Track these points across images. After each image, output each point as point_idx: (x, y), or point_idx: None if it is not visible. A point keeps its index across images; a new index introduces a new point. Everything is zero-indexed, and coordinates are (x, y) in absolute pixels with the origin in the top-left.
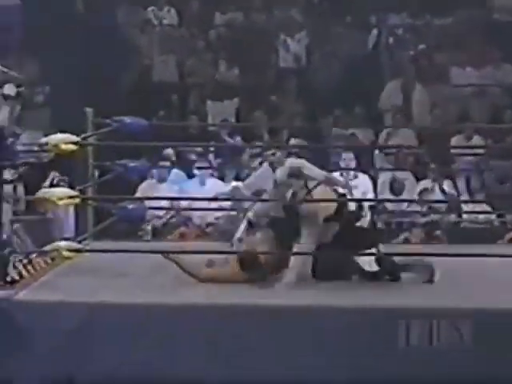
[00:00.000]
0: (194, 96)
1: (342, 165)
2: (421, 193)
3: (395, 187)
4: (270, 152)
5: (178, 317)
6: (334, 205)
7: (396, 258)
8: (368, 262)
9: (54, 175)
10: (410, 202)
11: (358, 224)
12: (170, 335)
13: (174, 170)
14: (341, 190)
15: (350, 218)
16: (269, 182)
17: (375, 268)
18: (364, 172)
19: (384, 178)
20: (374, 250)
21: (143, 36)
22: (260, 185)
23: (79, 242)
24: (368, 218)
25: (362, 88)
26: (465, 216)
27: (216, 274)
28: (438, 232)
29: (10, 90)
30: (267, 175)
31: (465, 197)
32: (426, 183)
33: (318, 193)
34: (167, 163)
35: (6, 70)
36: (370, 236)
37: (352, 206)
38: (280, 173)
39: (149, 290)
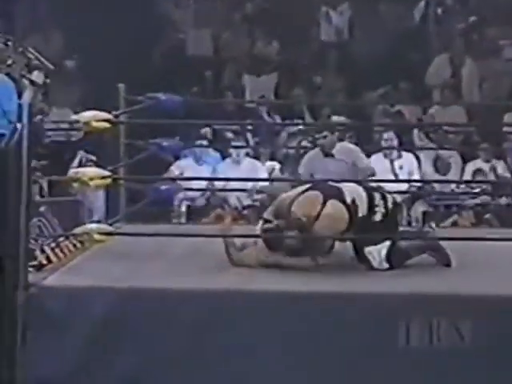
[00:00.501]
0: (230, 71)
1: (384, 144)
2: (474, 174)
3: (439, 166)
4: (320, 135)
5: (216, 303)
6: (346, 220)
7: (410, 244)
8: (378, 260)
9: (82, 155)
10: (455, 182)
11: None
12: (206, 322)
13: (208, 149)
14: (348, 200)
15: (362, 222)
16: (318, 167)
17: (384, 266)
18: (408, 151)
19: (426, 157)
20: (385, 244)
21: (178, 10)
22: (309, 169)
23: (110, 225)
24: (382, 210)
25: (408, 63)
26: None
27: (247, 257)
28: (487, 215)
29: (38, 77)
30: (318, 158)
31: None
32: (476, 163)
33: (328, 208)
34: (203, 142)
35: (38, 55)
36: (381, 230)
37: (363, 210)
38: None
39: (184, 274)
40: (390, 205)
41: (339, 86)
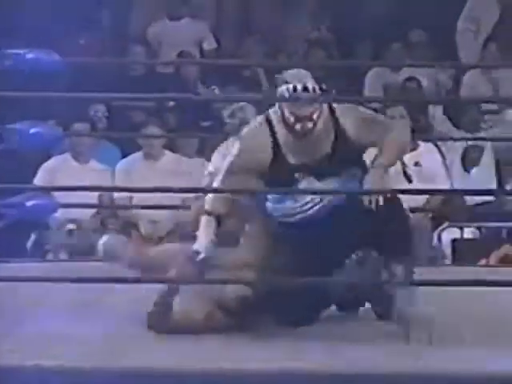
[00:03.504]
0: (140, 11)
1: None
2: None
3: (470, 159)
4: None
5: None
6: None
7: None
8: None
9: None
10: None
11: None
12: None
13: (102, 140)
14: None
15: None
16: None
17: None
18: (428, 140)
19: (451, 151)
20: None
21: None
22: None
23: None
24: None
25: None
26: None
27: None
28: None
29: None
30: None
31: None
32: None
33: None
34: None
35: None
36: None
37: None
38: None
39: (70, 342)
40: None
41: (317, 37)
